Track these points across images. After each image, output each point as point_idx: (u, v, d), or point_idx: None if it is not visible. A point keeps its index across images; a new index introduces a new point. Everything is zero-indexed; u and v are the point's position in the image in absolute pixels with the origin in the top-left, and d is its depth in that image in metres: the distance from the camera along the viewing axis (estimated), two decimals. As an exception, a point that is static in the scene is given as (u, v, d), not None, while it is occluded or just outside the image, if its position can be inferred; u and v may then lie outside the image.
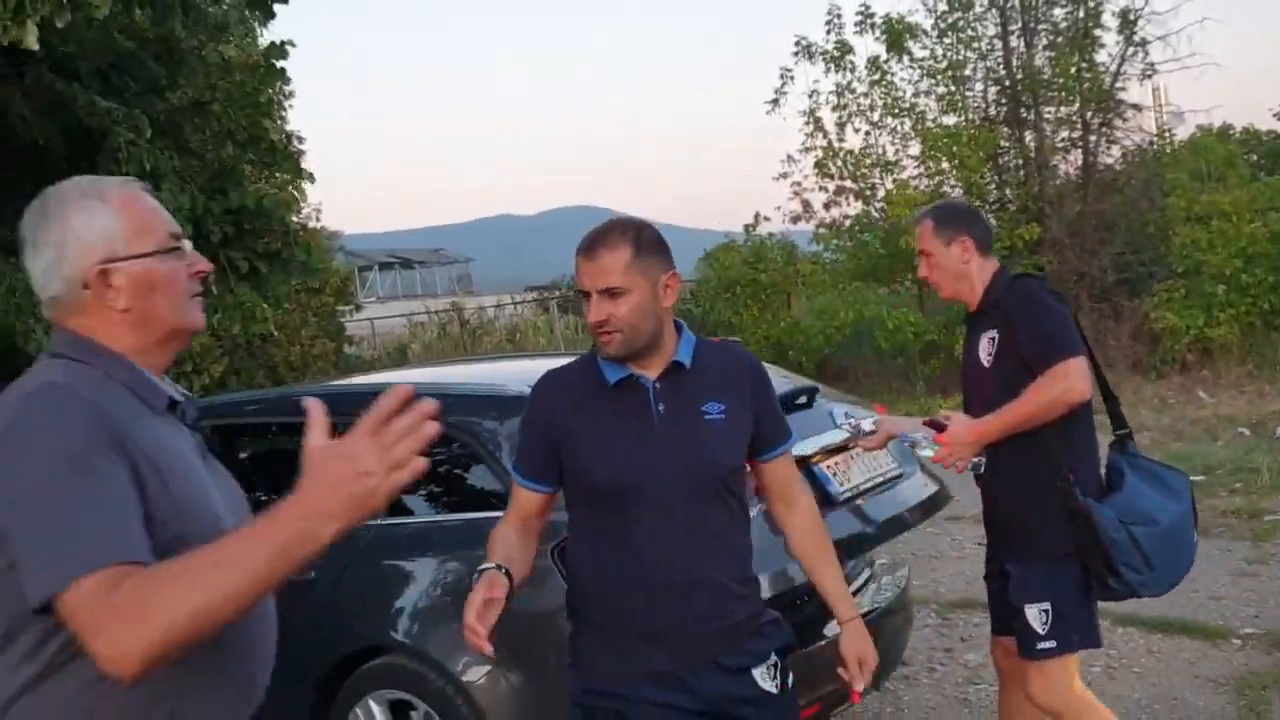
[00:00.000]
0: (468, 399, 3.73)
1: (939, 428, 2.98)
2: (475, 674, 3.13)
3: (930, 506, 4.01)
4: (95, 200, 1.60)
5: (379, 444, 1.30)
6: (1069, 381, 2.81)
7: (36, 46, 3.98)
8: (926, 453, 3.05)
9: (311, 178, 6.30)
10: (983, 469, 3.03)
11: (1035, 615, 2.95)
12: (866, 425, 3.22)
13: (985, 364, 3.07)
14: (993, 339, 3.05)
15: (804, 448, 3.38)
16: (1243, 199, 13.85)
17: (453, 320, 24.98)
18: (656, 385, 2.27)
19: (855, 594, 3.75)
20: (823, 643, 3.34)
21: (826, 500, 3.46)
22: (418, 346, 23.18)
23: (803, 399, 3.79)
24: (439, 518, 3.66)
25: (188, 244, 1.70)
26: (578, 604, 2.35)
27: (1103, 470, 3.09)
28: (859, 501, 3.65)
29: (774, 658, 2.34)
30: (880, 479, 3.82)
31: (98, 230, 1.58)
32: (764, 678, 2.31)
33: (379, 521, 3.64)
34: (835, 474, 3.63)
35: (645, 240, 2.22)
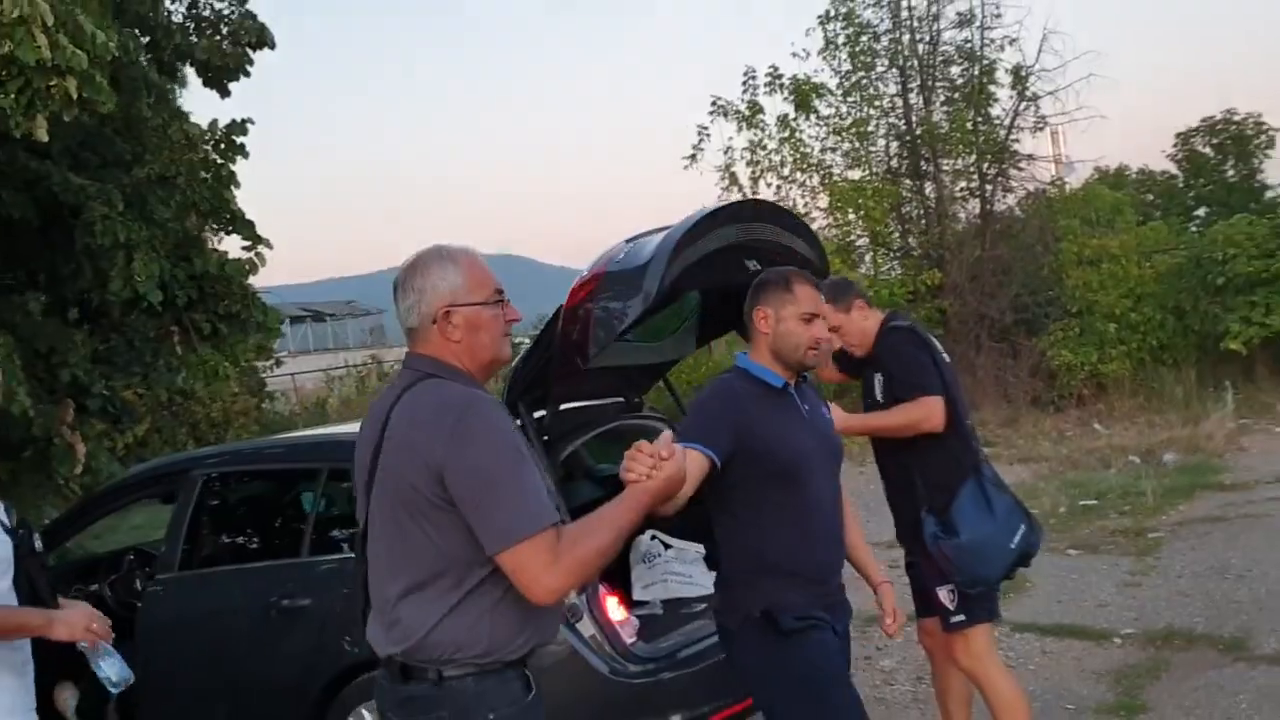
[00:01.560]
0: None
1: None
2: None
3: None
4: (449, 261, 2.20)
5: (671, 467, 2.10)
6: (926, 412, 3.54)
7: (47, 139, 4.38)
8: None
9: (268, 243, 6.71)
10: None
11: (945, 595, 3.61)
12: None
13: (879, 399, 3.76)
14: (881, 380, 3.76)
15: None
16: (1130, 243, 14.88)
17: (371, 373, 25.06)
18: (795, 392, 2.99)
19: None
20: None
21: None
22: (335, 401, 23.15)
23: None
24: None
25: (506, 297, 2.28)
26: (774, 559, 2.88)
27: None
28: None
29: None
30: None
31: (448, 283, 2.18)
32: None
33: (350, 555, 4.10)
34: None
35: None
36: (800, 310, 2.92)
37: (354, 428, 5.73)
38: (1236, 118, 25.18)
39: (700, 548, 4.73)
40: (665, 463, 2.10)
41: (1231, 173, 25.23)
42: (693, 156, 15.85)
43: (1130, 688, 4.82)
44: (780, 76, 15.51)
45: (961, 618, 3.59)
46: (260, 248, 6.66)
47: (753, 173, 15.54)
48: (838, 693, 2.85)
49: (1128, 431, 12.18)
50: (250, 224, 6.63)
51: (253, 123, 6.36)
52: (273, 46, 6.48)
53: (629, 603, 4.27)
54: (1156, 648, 5.32)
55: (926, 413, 3.54)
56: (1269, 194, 22.09)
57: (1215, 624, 5.52)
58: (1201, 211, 23.69)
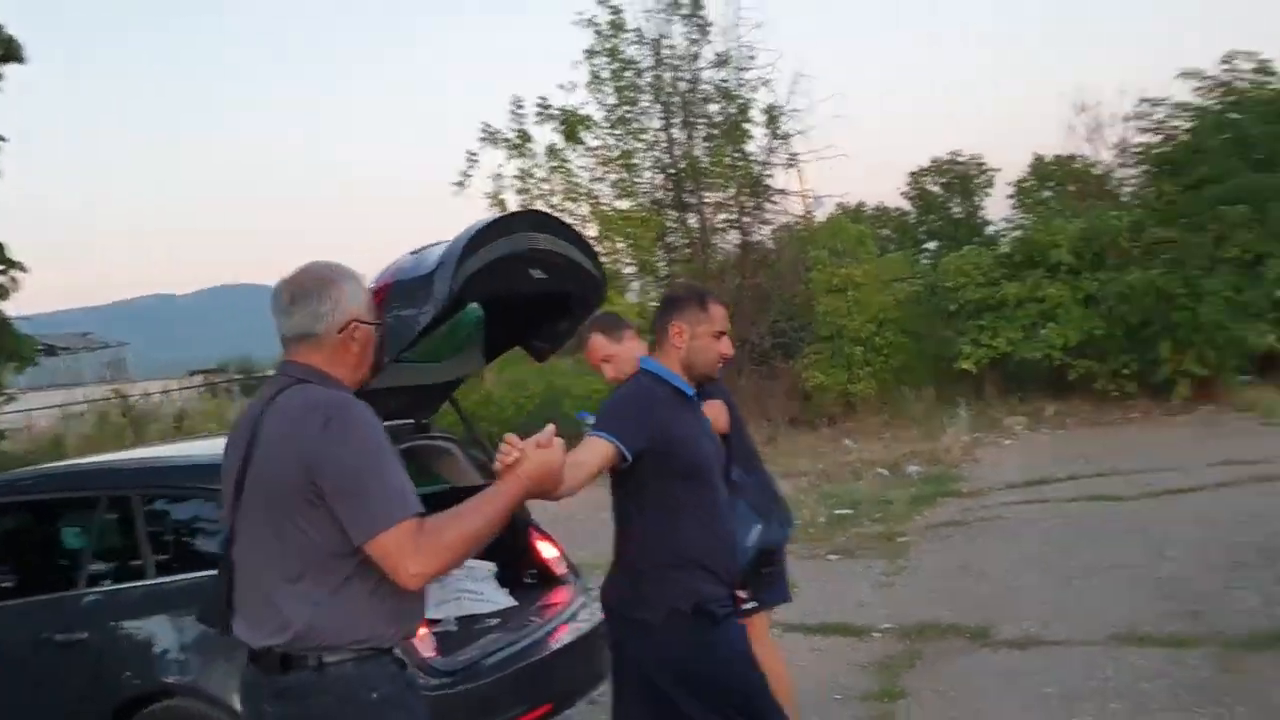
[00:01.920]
0: (199, 469, 4.12)
1: None
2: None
3: None
4: (354, 280, 2.39)
5: (550, 454, 2.27)
6: (715, 413, 3.78)
7: None
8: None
9: (23, 266, 6.26)
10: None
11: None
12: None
13: None
14: None
15: None
16: (873, 272, 15.98)
17: (112, 409, 23.57)
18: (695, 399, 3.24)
19: (575, 614, 4.42)
20: (554, 650, 3.99)
21: None
22: (73, 438, 21.62)
23: None
24: (181, 576, 3.95)
25: None
26: (689, 554, 3.05)
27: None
28: None
29: None
30: None
31: (358, 299, 2.37)
32: None
33: (132, 584, 3.96)
34: None
35: None
36: (713, 328, 3.19)
37: (134, 454, 5.48)
38: (961, 159, 27.46)
39: (491, 565, 4.81)
40: (539, 450, 2.25)
41: (957, 209, 27.45)
42: (461, 183, 15.95)
43: (890, 677, 5.23)
44: (549, 107, 15.84)
45: (754, 604, 3.83)
46: (14, 271, 6.23)
47: (523, 201, 15.74)
48: (755, 673, 3.10)
49: (875, 446, 13.08)
50: (0, 246, 6.21)
51: (5, 139, 5.98)
52: (22, 60, 6.11)
53: (425, 620, 4.30)
54: (911, 640, 5.78)
55: (715, 414, 3.79)
56: (990, 229, 24.14)
57: (961, 616, 6.06)
58: (932, 245, 25.60)
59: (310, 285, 2.34)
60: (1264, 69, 15.13)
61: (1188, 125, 15.07)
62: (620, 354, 4.02)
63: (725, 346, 3.22)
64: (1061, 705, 4.61)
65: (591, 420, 3.96)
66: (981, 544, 7.78)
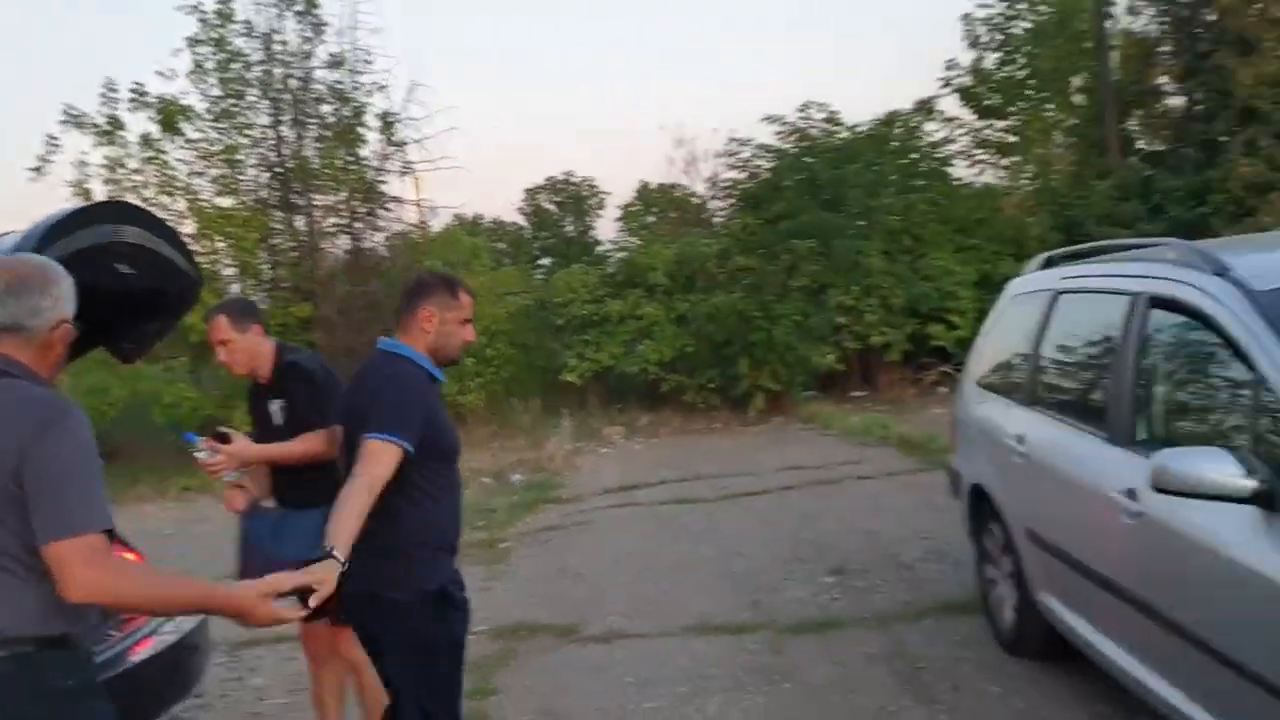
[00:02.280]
0: None
1: (223, 439, 3.86)
2: None
3: None
4: (67, 280, 2.41)
5: (267, 607, 2.37)
6: (327, 442, 3.79)
7: None
8: (202, 455, 3.89)
9: None
10: (240, 481, 3.98)
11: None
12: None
13: (279, 422, 3.97)
14: (283, 405, 3.99)
15: None
16: (486, 284, 16.30)
17: None
18: None
19: (158, 627, 4.22)
20: (135, 664, 3.81)
21: None
22: None
23: None
24: None
25: None
26: (440, 532, 3.23)
27: None
28: None
29: None
30: None
31: (69, 301, 2.40)
32: None
33: None
34: None
35: None
36: (462, 314, 3.30)
37: None
38: (575, 180, 28.69)
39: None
40: (255, 599, 2.36)
41: (570, 228, 28.63)
42: (38, 168, 14.51)
43: (484, 675, 5.41)
44: (145, 94, 14.78)
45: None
46: None
47: (111, 192, 14.57)
48: (461, 660, 3.34)
49: (483, 456, 13.31)
50: None
51: None
52: None
53: None
54: (505, 640, 6.01)
55: (327, 442, 3.78)
56: (599, 248, 25.40)
57: (556, 615, 6.37)
58: (545, 260, 26.54)
59: (32, 278, 2.36)
60: (833, 119, 17.08)
61: (769, 165, 16.68)
62: (239, 343, 3.99)
63: (469, 333, 3.33)
64: (637, 692, 5.00)
65: (199, 442, 3.88)
66: (578, 547, 8.20)
